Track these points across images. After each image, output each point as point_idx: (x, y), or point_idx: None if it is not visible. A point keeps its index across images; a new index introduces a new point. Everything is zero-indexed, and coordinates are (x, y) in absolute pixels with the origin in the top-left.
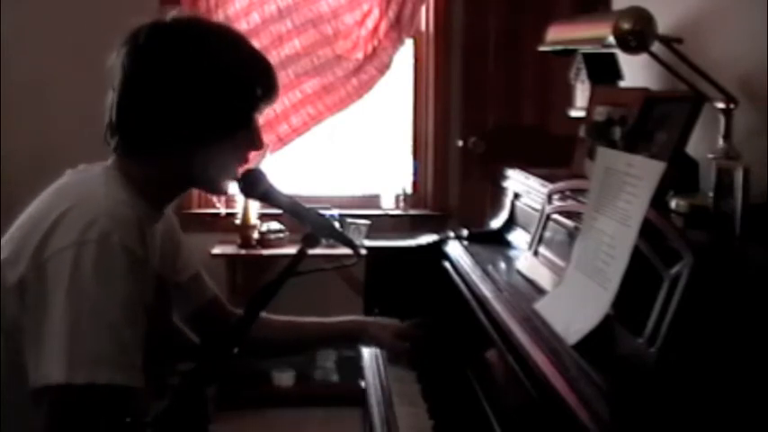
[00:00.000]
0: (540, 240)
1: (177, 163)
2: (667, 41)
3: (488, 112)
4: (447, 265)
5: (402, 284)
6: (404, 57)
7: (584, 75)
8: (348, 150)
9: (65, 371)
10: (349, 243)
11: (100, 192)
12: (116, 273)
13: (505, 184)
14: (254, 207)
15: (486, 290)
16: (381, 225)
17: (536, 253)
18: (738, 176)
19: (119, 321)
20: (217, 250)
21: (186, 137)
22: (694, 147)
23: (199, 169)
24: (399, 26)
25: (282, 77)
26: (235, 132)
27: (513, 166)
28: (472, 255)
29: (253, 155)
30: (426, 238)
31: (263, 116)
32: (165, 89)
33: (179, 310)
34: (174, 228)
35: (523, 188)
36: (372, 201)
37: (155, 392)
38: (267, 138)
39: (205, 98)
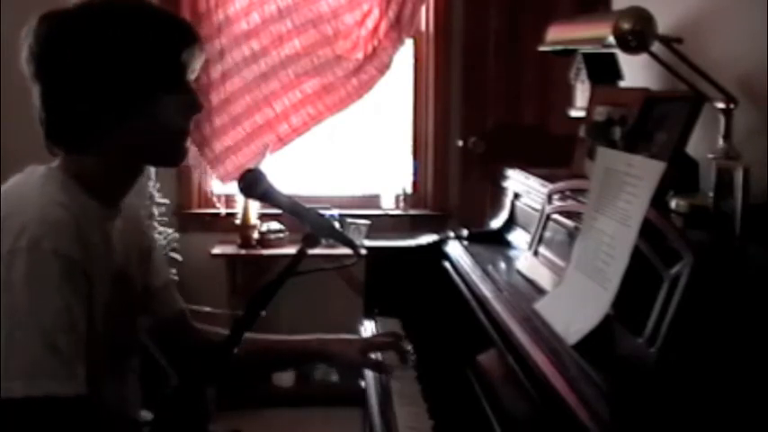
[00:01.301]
0: (540, 240)
1: (119, 145)
2: (667, 41)
3: (488, 112)
4: (447, 265)
5: (402, 284)
6: (404, 57)
7: (584, 75)
8: (348, 150)
9: (3, 385)
10: (349, 243)
11: (33, 195)
12: (48, 280)
13: (505, 184)
14: (254, 207)
15: (486, 290)
16: (381, 225)
17: (536, 253)
18: (738, 176)
19: (53, 330)
20: (217, 250)
21: (115, 115)
22: (694, 147)
23: (141, 145)
24: (399, 26)
25: (282, 77)
26: (159, 97)
27: (513, 166)
28: (472, 255)
29: (253, 155)
30: (426, 238)
31: (263, 116)
32: (78, 74)
33: (146, 318)
34: (144, 232)
35: (523, 188)
36: (372, 201)
37: (120, 390)
38: (267, 138)
39: (118, 72)
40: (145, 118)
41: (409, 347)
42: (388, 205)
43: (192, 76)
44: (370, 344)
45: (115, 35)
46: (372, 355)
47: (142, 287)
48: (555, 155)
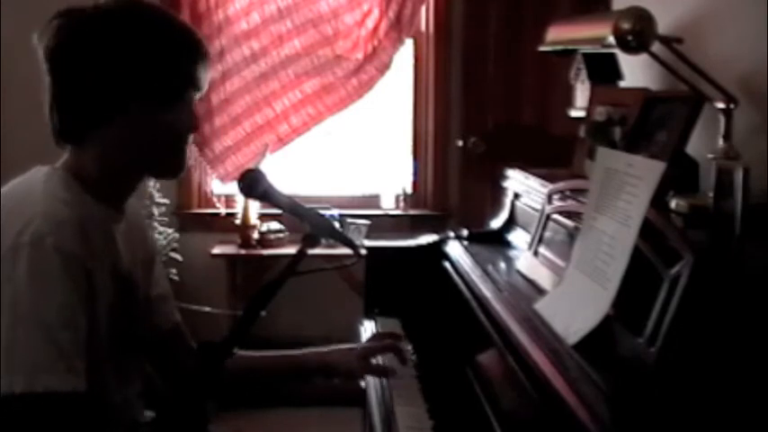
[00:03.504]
0: (540, 240)
1: (117, 144)
2: (667, 41)
3: (488, 112)
4: (447, 265)
5: (402, 284)
6: (404, 57)
7: (584, 75)
8: (348, 150)
9: (4, 380)
10: (349, 243)
11: (37, 193)
12: (50, 276)
13: (505, 184)
14: (254, 207)
15: (486, 290)
16: (381, 225)
17: (536, 253)
18: (738, 176)
19: (55, 326)
20: (217, 250)
21: (116, 113)
22: (694, 147)
23: (134, 148)
24: (399, 26)
25: (282, 77)
26: (166, 108)
27: (513, 166)
28: (472, 255)
29: (253, 155)
30: (426, 238)
31: (263, 116)
32: (89, 69)
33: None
34: (149, 240)
35: (523, 188)
36: (372, 201)
37: (124, 390)
38: (267, 138)
39: (134, 74)
40: (143, 122)
41: (409, 347)
42: (388, 205)
43: (197, 94)
44: (369, 349)
45: (131, 37)
46: (373, 360)
47: (144, 293)
48: (555, 155)
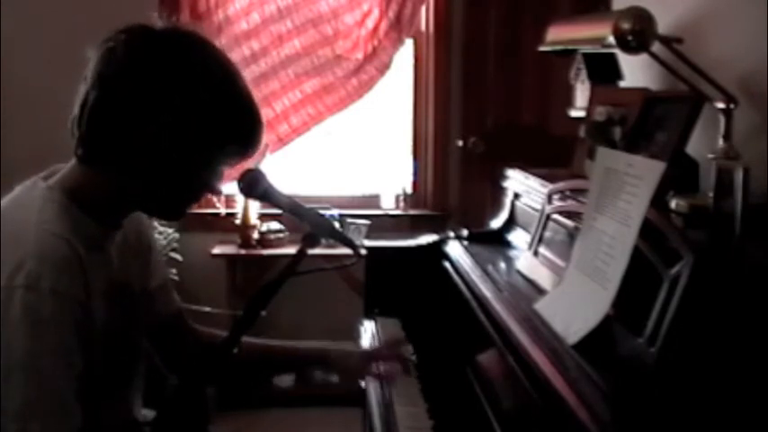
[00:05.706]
0: (540, 240)
1: (135, 184)
2: (667, 41)
3: (488, 112)
4: (447, 265)
5: (402, 284)
6: (404, 57)
7: (584, 75)
8: (348, 150)
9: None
10: (349, 243)
11: (31, 225)
12: (45, 319)
13: (505, 184)
14: (254, 207)
15: (486, 290)
16: (381, 225)
17: (536, 253)
18: (738, 176)
19: (50, 371)
20: (217, 250)
21: (156, 158)
22: (694, 147)
23: (153, 196)
24: (399, 26)
25: (282, 77)
26: (200, 171)
27: (513, 166)
28: (472, 255)
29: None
30: (426, 238)
31: (263, 116)
32: (147, 104)
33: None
34: (143, 232)
35: (523, 188)
36: (372, 201)
37: (125, 396)
38: (267, 138)
39: (187, 128)
40: (172, 173)
41: (409, 347)
42: (388, 205)
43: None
44: (372, 356)
45: (201, 94)
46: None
47: (141, 289)
48: (555, 155)
